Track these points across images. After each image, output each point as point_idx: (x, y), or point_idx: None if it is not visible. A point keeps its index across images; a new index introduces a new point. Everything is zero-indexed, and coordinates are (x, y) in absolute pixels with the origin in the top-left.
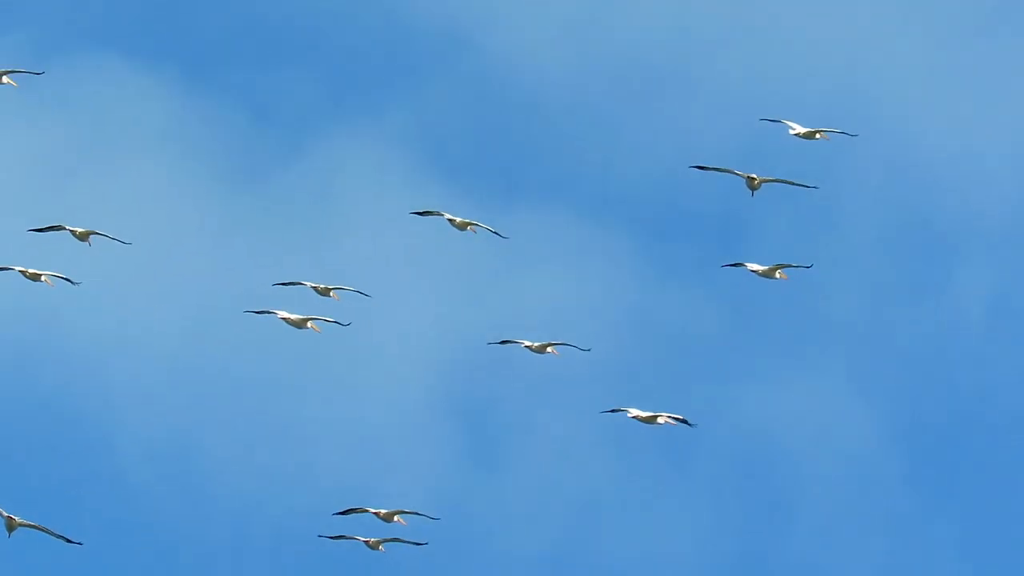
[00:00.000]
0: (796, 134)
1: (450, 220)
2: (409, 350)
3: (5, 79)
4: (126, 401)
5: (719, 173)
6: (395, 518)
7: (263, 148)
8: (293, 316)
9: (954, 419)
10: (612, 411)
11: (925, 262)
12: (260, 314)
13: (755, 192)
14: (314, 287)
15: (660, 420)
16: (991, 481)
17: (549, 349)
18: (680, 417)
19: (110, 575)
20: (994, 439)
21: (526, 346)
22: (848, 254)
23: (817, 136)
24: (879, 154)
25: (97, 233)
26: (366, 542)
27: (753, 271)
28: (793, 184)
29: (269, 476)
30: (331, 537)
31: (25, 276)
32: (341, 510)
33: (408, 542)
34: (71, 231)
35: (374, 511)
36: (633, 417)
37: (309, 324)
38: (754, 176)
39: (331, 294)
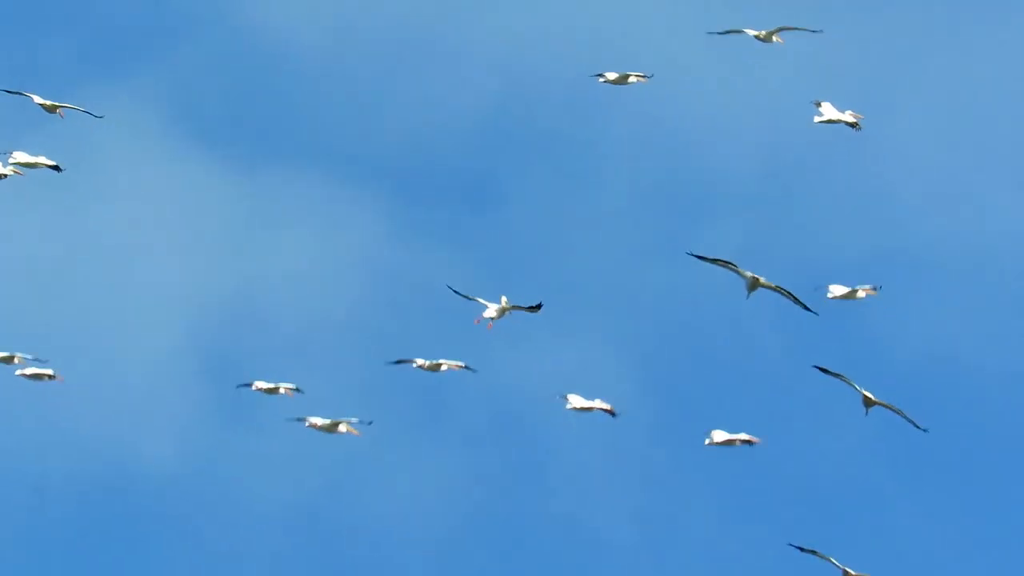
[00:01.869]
0: (607, 81)
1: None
2: (161, 307)
3: None
4: None
5: (720, 266)
6: (442, 367)
7: (14, 111)
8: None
9: (704, 374)
10: (399, 362)
11: (675, 221)
12: None
13: (750, 294)
14: (41, 103)
15: (443, 367)
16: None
17: (444, 367)
18: (462, 364)
19: None
20: (744, 392)
21: (419, 365)
22: (600, 214)
23: (630, 80)
24: (632, 113)
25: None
26: (422, 365)
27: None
28: (794, 299)
29: (18, 428)
30: (394, 362)
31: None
32: (394, 360)
33: (461, 366)
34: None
35: (420, 362)
36: (418, 366)
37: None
38: (758, 277)
39: (58, 111)
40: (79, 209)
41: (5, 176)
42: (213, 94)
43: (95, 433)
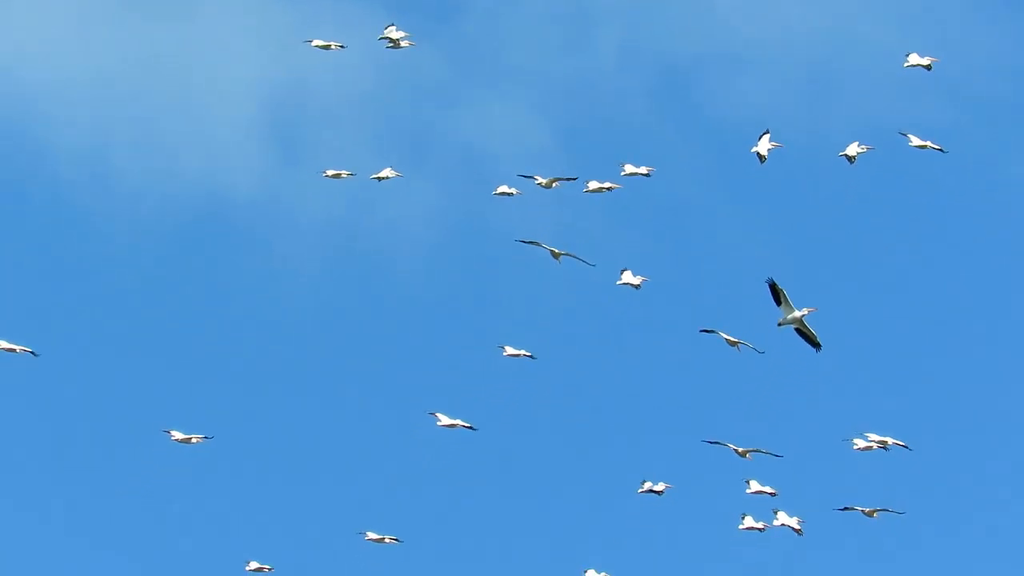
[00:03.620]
0: None
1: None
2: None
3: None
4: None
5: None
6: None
7: None
8: None
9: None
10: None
11: None
12: None
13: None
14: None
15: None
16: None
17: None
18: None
19: None
20: None
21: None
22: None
23: None
24: None
25: None
26: (552, 250)
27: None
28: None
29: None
30: (523, 241)
31: None
32: (522, 240)
33: (581, 260)
34: None
35: (547, 246)
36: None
37: None
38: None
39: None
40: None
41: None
42: None
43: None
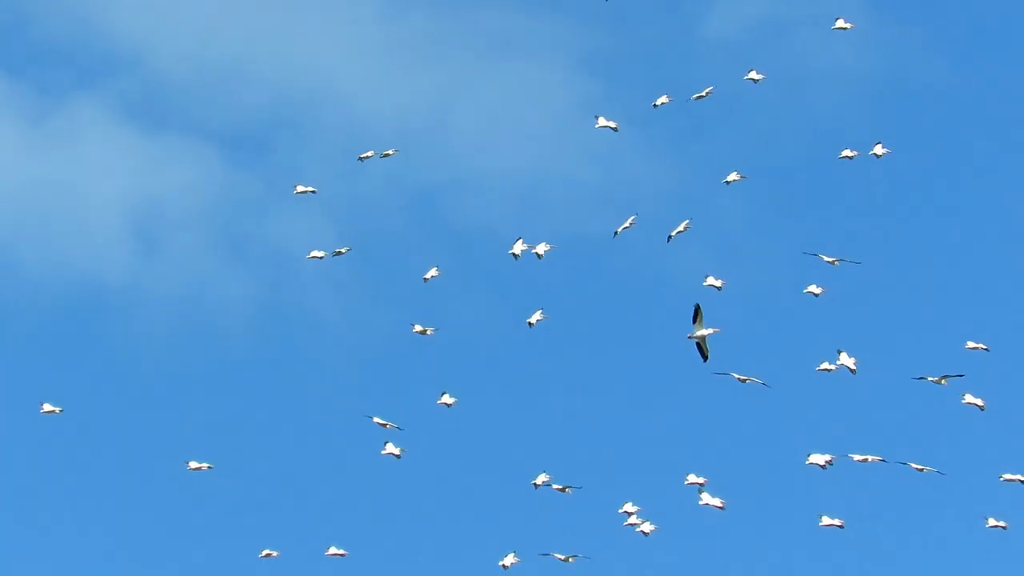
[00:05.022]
0: None
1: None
2: None
3: None
4: None
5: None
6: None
7: None
8: None
9: None
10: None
11: None
12: None
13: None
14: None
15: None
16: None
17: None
18: None
19: None
20: None
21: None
22: None
23: None
24: None
25: None
26: (740, 378)
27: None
28: None
29: None
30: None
31: None
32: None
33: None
34: None
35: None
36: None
37: None
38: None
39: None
40: None
41: None
42: None
43: None
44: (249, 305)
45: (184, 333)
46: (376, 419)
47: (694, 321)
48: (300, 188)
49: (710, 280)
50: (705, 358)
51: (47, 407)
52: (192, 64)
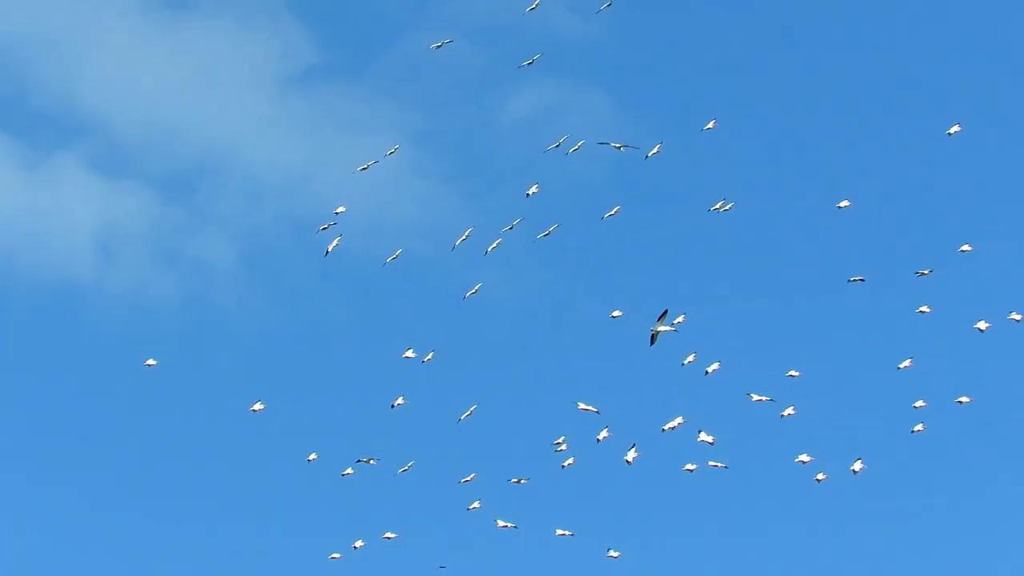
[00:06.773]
0: None
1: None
2: None
3: None
4: None
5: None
6: None
7: None
8: None
9: None
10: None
11: None
12: None
13: None
14: None
15: None
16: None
17: None
18: None
19: None
20: None
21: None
22: None
23: None
24: None
25: None
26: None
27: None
28: None
29: None
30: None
31: None
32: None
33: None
34: None
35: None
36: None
37: None
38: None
39: None
40: None
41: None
42: None
43: None
44: (176, 301)
45: (130, 321)
46: (581, 405)
47: (659, 320)
48: (323, 226)
49: (703, 436)
50: (651, 344)
51: None
52: (141, 126)
